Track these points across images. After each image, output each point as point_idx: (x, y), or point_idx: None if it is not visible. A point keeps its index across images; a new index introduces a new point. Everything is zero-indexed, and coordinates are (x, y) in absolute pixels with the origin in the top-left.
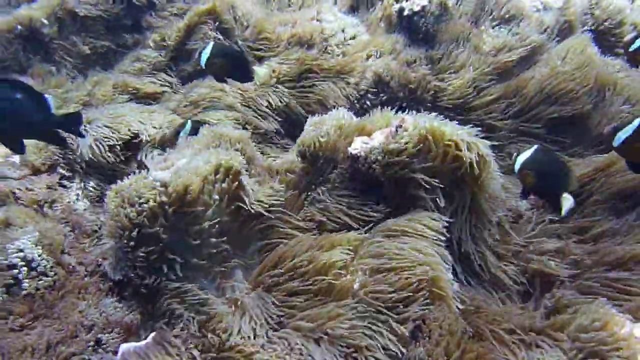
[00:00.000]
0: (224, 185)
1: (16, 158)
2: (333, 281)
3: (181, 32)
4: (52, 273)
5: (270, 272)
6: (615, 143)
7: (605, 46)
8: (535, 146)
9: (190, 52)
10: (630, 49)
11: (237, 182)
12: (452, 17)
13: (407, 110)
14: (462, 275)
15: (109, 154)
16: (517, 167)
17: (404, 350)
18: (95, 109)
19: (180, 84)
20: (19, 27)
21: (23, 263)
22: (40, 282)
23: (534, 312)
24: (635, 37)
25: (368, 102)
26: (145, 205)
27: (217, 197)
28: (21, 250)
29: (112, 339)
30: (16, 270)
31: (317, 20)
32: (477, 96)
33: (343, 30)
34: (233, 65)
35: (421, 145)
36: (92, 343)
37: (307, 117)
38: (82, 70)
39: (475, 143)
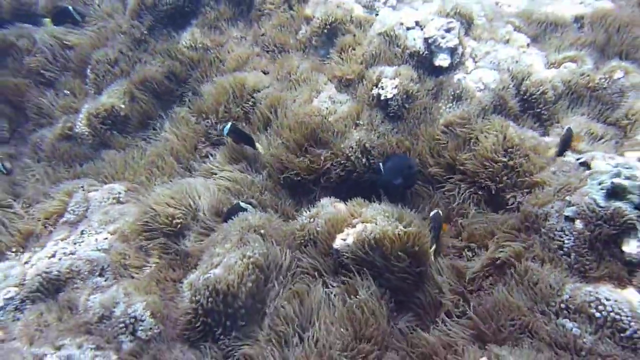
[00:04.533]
0: (254, 276)
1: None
2: None
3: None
4: (156, 327)
5: None
6: None
7: (530, 108)
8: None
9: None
10: None
11: (261, 269)
12: (417, 98)
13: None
14: None
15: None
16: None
17: None
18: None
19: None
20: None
21: (140, 318)
22: (150, 332)
23: None
24: None
25: (356, 165)
26: (210, 295)
27: (250, 284)
28: (136, 311)
29: None
30: (135, 322)
31: (315, 97)
32: (431, 159)
33: (335, 103)
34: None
35: (375, 243)
36: None
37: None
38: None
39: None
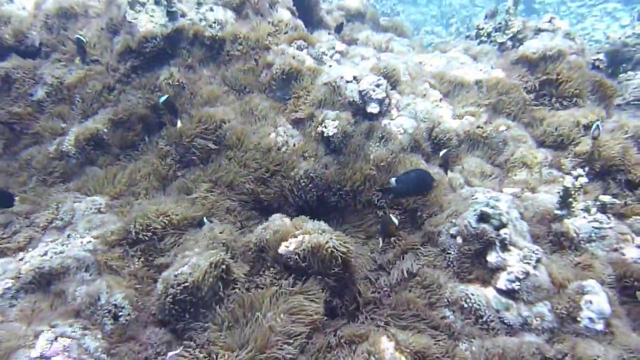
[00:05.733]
0: (214, 273)
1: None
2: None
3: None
4: (133, 314)
5: None
6: None
7: (439, 150)
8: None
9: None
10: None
11: (221, 269)
12: (352, 136)
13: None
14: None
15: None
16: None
17: None
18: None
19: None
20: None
21: (120, 306)
22: (128, 317)
23: None
24: None
25: (303, 192)
26: (179, 287)
27: (211, 280)
28: (116, 300)
29: (162, 351)
30: (116, 309)
31: (273, 132)
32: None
33: (288, 137)
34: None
35: (312, 250)
36: (155, 354)
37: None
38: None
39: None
